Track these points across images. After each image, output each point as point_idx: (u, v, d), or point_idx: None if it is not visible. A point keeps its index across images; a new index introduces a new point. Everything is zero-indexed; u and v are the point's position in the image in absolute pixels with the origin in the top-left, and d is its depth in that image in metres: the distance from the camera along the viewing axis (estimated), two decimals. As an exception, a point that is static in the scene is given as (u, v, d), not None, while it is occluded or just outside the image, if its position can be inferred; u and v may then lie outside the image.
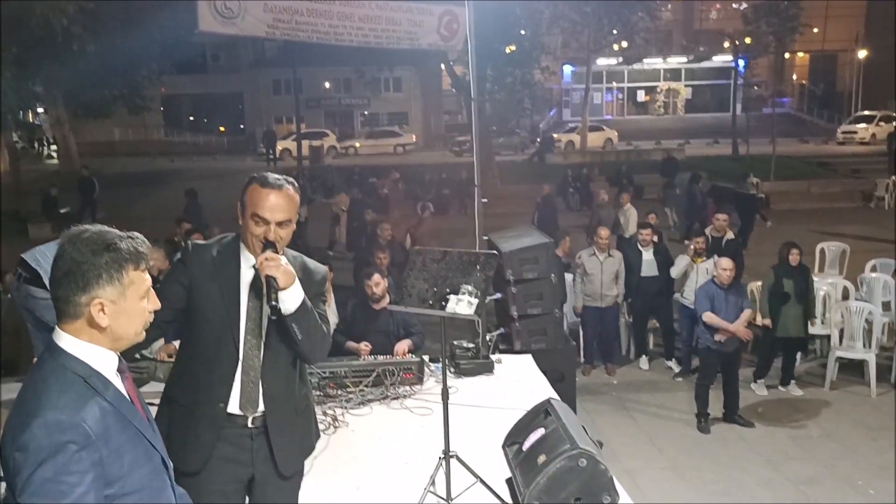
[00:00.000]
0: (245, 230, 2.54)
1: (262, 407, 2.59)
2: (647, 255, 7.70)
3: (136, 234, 1.83)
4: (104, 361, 1.78)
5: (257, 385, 2.58)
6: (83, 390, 1.70)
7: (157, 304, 1.90)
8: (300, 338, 2.52)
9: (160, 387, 4.33)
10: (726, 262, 6.33)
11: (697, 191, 14.48)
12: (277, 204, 2.48)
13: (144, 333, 1.89)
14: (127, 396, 1.83)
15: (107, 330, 1.77)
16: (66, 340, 1.76)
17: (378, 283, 5.49)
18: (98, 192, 17.89)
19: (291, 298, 2.46)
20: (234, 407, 2.56)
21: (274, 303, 2.41)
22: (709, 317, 6.19)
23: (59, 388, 1.69)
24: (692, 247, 7.59)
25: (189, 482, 2.46)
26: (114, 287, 1.75)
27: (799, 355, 7.50)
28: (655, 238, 7.94)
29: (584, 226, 12.58)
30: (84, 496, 1.63)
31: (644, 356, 7.96)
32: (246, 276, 2.57)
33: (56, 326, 1.78)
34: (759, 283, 7.53)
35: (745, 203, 14.00)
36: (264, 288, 2.43)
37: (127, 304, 1.78)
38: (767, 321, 6.90)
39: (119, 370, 1.83)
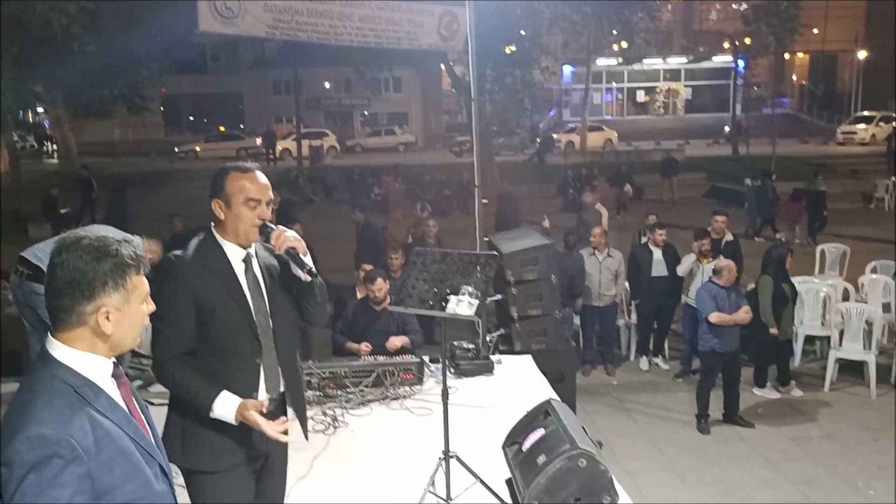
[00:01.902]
0: (233, 221, 2.55)
1: (282, 385, 2.71)
2: (658, 255, 7.70)
3: (133, 236, 1.78)
4: (98, 369, 1.73)
5: (276, 365, 2.67)
6: (72, 401, 1.65)
7: (154, 308, 1.86)
8: (319, 300, 2.69)
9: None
10: (731, 264, 6.36)
11: (769, 188, 14.67)
12: (264, 184, 2.58)
13: (139, 339, 1.85)
14: (122, 404, 1.77)
15: (110, 338, 1.72)
16: (59, 349, 1.70)
17: (381, 288, 5.51)
18: (97, 192, 17.89)
19: (310, 261, 2.60)
20: (262, 394, 2.62)
21: (310, 267, 2.56)
22: (717, 317, 6.17)
23: (46, 399, 1.63)
24: (698, 247, 7.58)
25: (213, 480, 2.53)
26: (119, 294, 1.70)
27: (798, 353, 7.52)
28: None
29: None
30: None
31: (644, 357, 7.96)
32: (239, 269, 2.60)
33: (49, 335, 1.71)
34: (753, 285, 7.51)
35: (816, 200, 14.27)
36: (292, 263, 2.58)
37: (130, 309, 1.74)
38: (775, 330, 6.80)
39: (115, 376, 1.78)
